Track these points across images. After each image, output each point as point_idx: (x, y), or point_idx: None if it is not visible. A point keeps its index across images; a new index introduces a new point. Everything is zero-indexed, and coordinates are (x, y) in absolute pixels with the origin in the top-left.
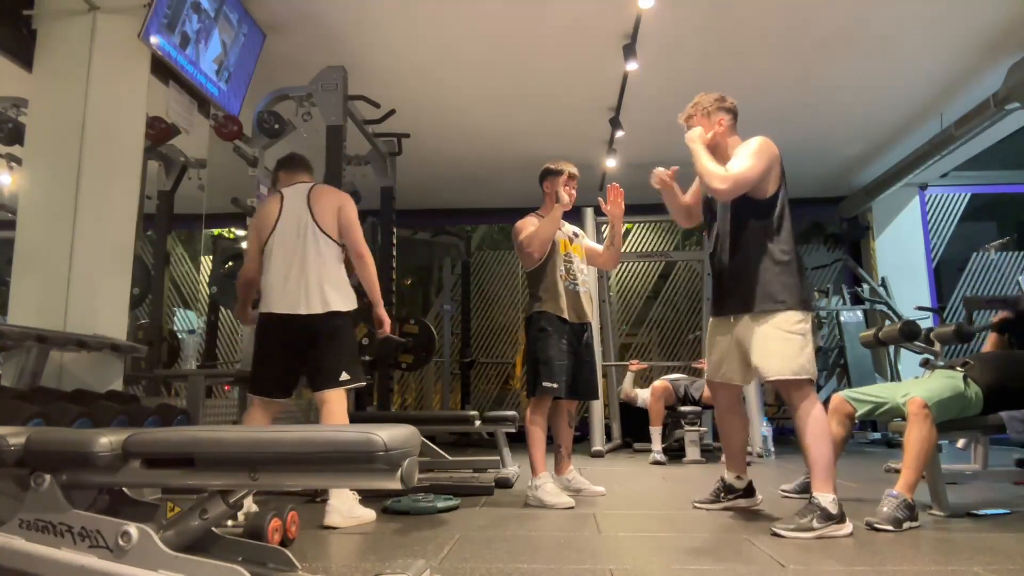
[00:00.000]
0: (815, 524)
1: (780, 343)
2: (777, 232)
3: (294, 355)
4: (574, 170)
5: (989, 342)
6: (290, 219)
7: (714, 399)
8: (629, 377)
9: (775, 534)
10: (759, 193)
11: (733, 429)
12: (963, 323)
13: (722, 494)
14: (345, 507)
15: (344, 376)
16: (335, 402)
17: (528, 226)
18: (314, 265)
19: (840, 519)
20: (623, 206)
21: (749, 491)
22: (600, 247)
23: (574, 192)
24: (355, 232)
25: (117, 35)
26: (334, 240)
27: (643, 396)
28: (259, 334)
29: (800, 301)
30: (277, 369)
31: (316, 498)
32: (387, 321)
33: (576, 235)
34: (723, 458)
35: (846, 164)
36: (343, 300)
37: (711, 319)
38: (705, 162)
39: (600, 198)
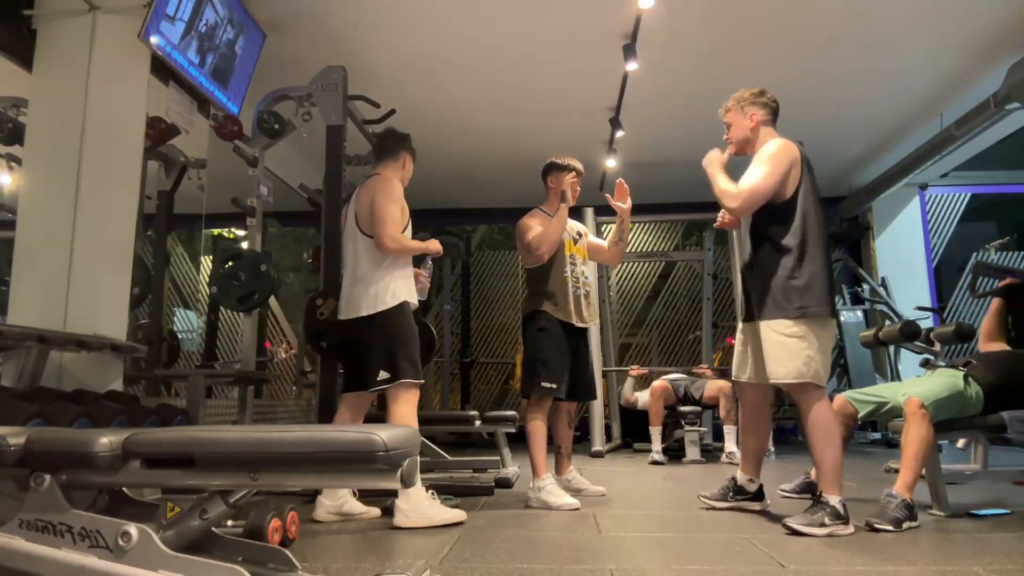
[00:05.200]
0: (827, 521)
1: (781, 347)
2: (791, 236)
3: (353, 356)
4: (579, 167)
5: (992, 308)
6: (348, 220)
7: (741, 398)
8: (629, 382)
9: (787, 526)
10: (776, 197)
11: (756, 431)
12: (963, 322)
13: (731, 493)
14: (408, 506)
15: (382, 375)
16: (392, 404)
17: (535, 225)
18: (351, 267)
19: (846, 520)
20: (630, 202)
21: (759, 495)
22: (604, 243)
23: (578, 189)
24: (378, 225)
25: (117, 35)
26: (368, 234)
27: (643, 399)
28: None
29: (802, 307)
30: (347, 369)
31: (316, 498)
32: (433, 248)
33: (580, 235)
34: (724, 457)
35: (846, 164)
36: (372, 302)
37: (741, 323)
38: (720, 184)
39: (607, 194)
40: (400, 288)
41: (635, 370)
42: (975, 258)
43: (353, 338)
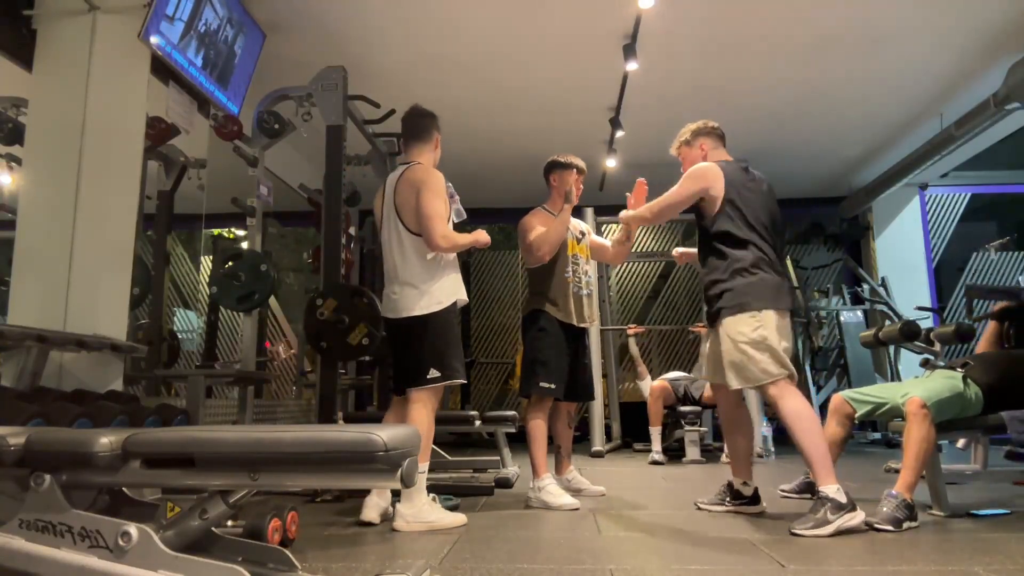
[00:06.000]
0: (830, 516)
1: (731, 354)
2: (730, 247)
3: (399, 356)
4: (582, 165)
5: (988, 331)
6: (385, 212)
7: (716, 401)
8: (632, 342)
9: (794, 534)
10: (706, 212)
11: (737, 433)
12: (963, 322)
13: (727, 498)
14: (409, 511)
15: (433, 373)
16: (415, 402)
17: (537, 225)
18: (398, 265)
19: (851, 507)
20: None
21: (755, 499)
22: (607, 242)
23: (580, 187)
24: (427, 223)
25: (117, 35)
26: (415, 232)
27: (645, 382)
28: None
29: (744, 304)
30: (392, 369)
31: (316, 498)
32: (482, 240)
33: (583, 234)
34: (723, 457)
35: (846, 164)
36: (427, 303)
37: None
38: (630, 214)
39: (628, 193)
40: (451, 287)
41: (632, 328)
42: (974, 258)
43: (398, 337)
